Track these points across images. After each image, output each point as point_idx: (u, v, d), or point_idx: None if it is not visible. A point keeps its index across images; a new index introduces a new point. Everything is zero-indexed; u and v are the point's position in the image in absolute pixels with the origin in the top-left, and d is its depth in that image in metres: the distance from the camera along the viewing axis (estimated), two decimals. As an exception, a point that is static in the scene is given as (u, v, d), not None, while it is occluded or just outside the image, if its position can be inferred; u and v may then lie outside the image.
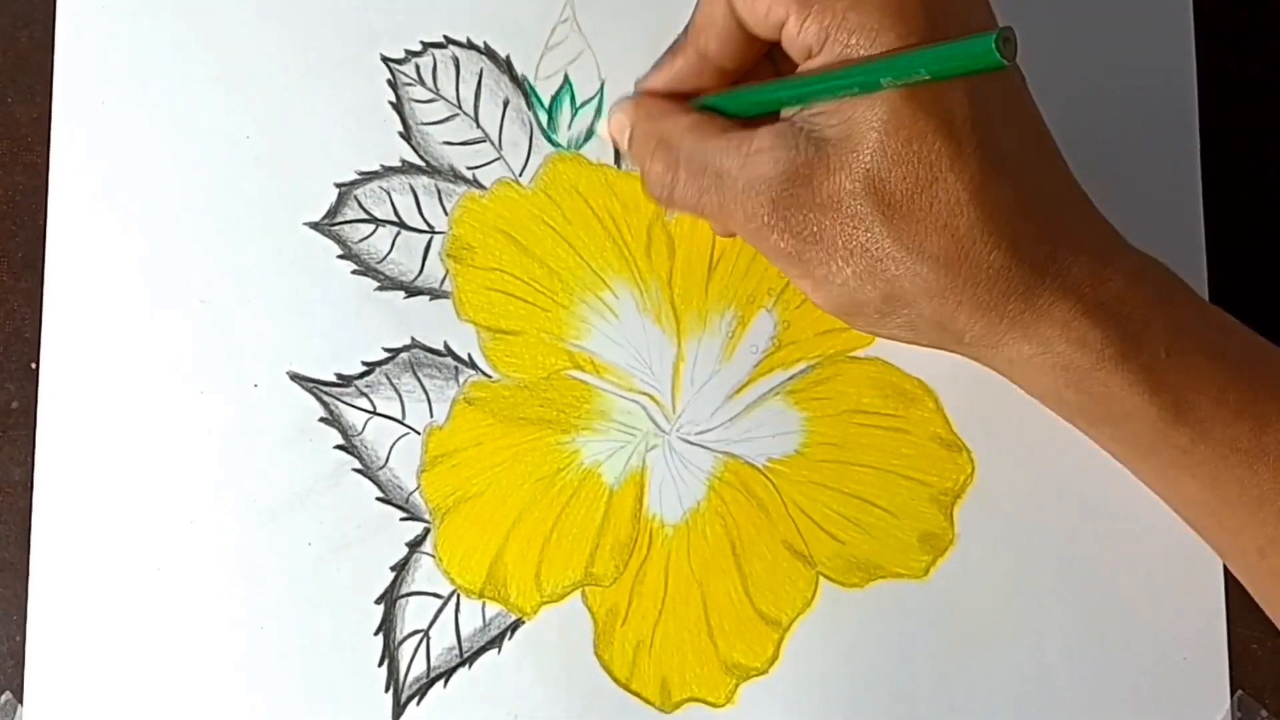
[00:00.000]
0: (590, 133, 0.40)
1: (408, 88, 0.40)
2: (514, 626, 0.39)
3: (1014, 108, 0.33)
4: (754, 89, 0.35)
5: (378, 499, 0.39)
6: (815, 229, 0.32)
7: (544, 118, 0.40)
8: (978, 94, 0.31)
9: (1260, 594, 0.36)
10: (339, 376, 0.40)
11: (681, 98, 0.37)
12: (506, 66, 0.41)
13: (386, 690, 0.39)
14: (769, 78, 0.35)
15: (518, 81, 0.41)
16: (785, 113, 0.33)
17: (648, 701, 0.39)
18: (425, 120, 0.40)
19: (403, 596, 0.39)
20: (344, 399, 0.39)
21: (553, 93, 0.40)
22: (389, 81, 0.40)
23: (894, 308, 0.33)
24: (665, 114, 0.36)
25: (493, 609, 0.39)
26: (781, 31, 0.32)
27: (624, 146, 0.38)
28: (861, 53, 0.31)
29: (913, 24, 0.31)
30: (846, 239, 0.32)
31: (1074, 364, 0.32)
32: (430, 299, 0.40)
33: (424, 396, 0.40)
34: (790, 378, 0.40)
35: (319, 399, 0.39)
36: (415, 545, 0.39)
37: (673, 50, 0.37)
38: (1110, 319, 0.32)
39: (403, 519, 0.39)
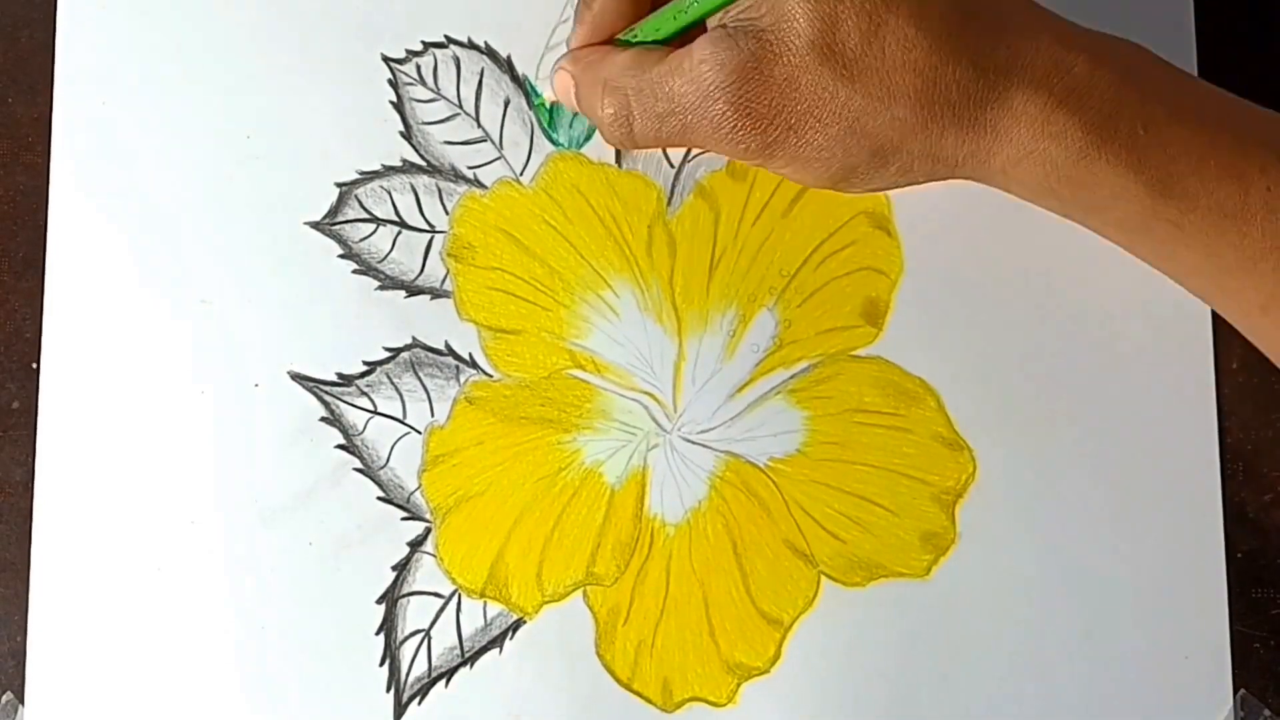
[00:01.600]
0: (591, 132, 0.40)
1: (409, 87, 0.40)
2: (515, 626, 0.39)
3: None
4: (671, 8, 0.35)
5: (379, 499, 0.39)
6: (783, 114, 0.33)
7: (545, 117, 0.40)
8: None
9: (1268, 349, 0.36)
10: (340, 376, 0.40)
11: (610, 42, 0.37)
12: (507, 66, 0.41)
13: (388, 690, 0.39)
14: None
15: (518, 81, 0.41)
16: (710, 22, 0.34)
17: (649, 701, 0.39)
18: (426, 120, 0.40)
19: (404, 596, 0.39)
20: (345, 398, 0.39)
21: (553, 92, 0.40)
22: (390, 81, 0.40)
23: (885, 158, 0.33)
24: (602, 58, 0.36)
25: (494, 609, 0.39)
26: None
27: (571, 104, 0.37)
28: None
29: None
30: (816, 111, 0.33)
31: (1057, 157, 0.33)
32: (431, 298, 0.40)
33: (425, 396, 0.40)
34: (792, 376, 0.40)
35: (320, 399, 0.39)
36: (416, 545, 0.39)
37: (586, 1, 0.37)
38: (1082, 106, 0.32)
39: (404, 519, 0.39)
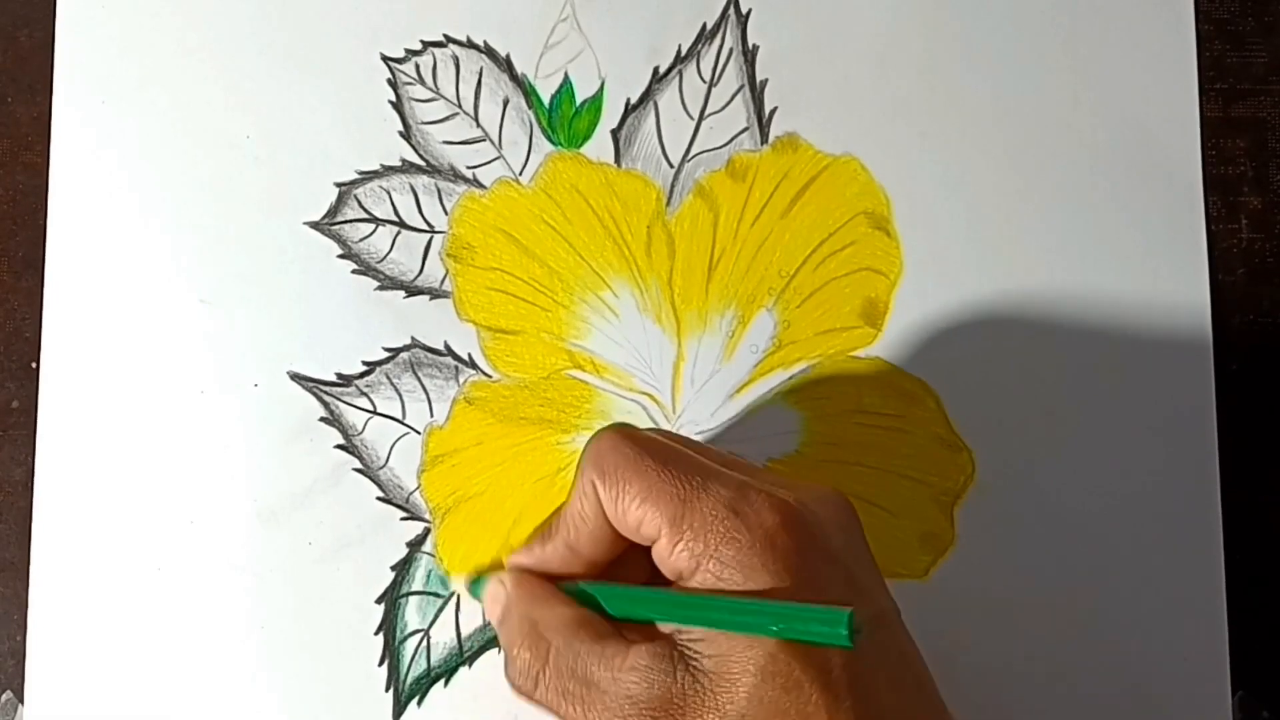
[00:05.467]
0: (590, 131, 0.40)
1: (408, 87, 0.40)
2: (514, 626, 0.39)
3: (894, 657, 0.31)
4: (632, 594, 0.33)
5: (378, 498, 0.39)
6: None
7: (544, 117, 0.40)
8: (858, 645, 0.29)
9: None
10: (339, 376, 0.40)
11: (555, 578, 0.34)
12: (506, 65, 0.41)
13: (387, 689, 0.39)
14: (644, 570, 0.33)
15: (518, 80, 0.40)
16: (663, 625, 0.32)
17: (648, 701, 0.39)
18: (425, 119, 0.40)
19: (403, 596, 0.39)
20: (344, 399, 0.39)
21: (553, 91, 0.40)
22: (389, 81, 0.40)
23: None
24: (542, 600, 0.33)
25: (493, 609, 0.39)
26: (653, 548, 0.31)
27: (495, 621, 0.35)
28: (732, 587, 0.30)
29: (784, 569, 0.30)
30: None
31: None
32: (430, 298, 0.40)
33: (424, 396, 0.40)
34: (790, 377, 0.40)
35: (319, 399, 0.39)
36: (416, 545, 0.39)
37: (543, 533, 0.34)
38: None
39: (403, 518, 0.39)
